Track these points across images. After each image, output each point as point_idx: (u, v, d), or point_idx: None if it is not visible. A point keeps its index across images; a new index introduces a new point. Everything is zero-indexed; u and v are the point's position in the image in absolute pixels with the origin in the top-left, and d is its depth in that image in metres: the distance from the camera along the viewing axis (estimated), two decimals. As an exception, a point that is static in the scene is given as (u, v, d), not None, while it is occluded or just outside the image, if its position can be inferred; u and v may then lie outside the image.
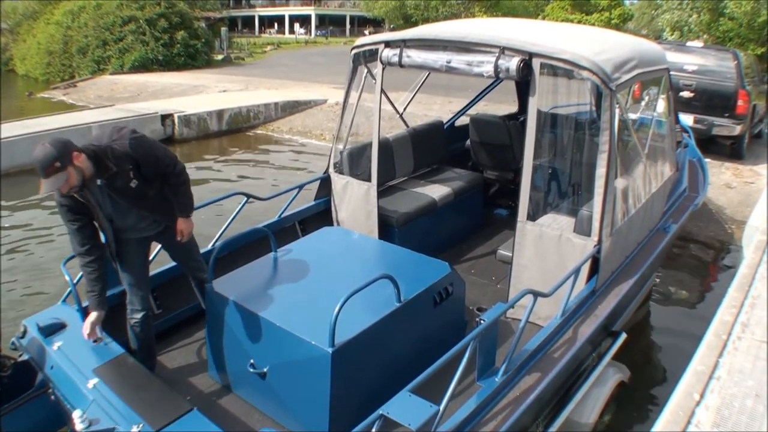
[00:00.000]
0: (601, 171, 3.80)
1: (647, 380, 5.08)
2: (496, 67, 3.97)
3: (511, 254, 4.29)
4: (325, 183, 5.38)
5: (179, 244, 3.68)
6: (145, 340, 3.70)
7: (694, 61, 10.68)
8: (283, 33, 58.50)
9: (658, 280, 6.72)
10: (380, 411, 2.40)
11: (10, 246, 7.66)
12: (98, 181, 3.19)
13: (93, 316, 3.39)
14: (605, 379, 3.98)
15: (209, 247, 4.41)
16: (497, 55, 3.99)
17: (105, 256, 3.46)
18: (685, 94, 10.48)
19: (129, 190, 3.29)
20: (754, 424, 3.26)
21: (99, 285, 3.40)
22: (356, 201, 5.11)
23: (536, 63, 3.90)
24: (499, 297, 4.55)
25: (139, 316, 3.62)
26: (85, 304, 3.66)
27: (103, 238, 3.47)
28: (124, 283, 3.62)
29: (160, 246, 3.88)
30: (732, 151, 10.92)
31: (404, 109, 6.48)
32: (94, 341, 3.38)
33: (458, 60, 4.19)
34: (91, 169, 3.12)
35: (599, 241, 3.86)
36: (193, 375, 3.77)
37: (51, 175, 2.94)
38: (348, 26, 62.11)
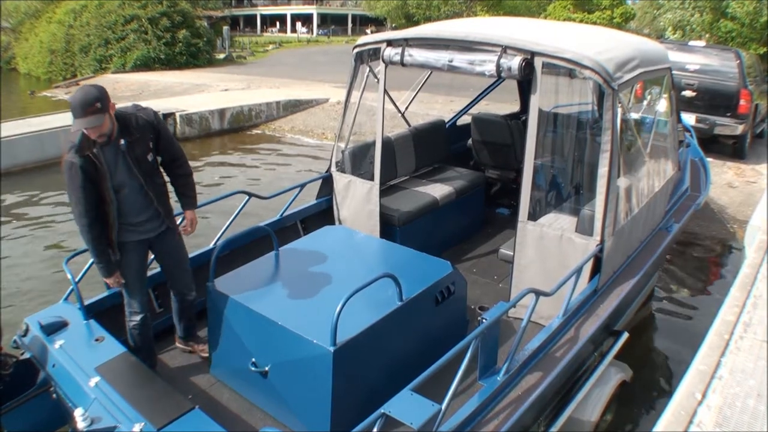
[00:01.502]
0: (603, 170, 3.79)
1: (649, 379, 5.08)
2: (498, 66, 3.96)
3: (512, 253, 4.29)
4: (327, 182, 5.38)
5: (174, 254, 3.69)
6: (145, 341, 3.69)
7: (697, 60, 10.67)
8: (285, 32, 58.53)
9: (660, 278, 6.71)
10: (382, 410, 2.40)
11: (10, 245, 7.67)
12: (122, 141, 3.23)
13: (115, 277, 3.46)
14: (607, 379, 3.97)
15: (211, 245, 4.41)
16: (499, 54, 3.98)
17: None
18: (688, 93, 10.46)
19: (145, 162, 3.34)
20: (756, 424, 3.26)
21: (108, 251, 3.38)
22: (358, 200, 5.11)
23: (538, 62, 3.89)
24: (501, 296, 4.55)
25: (138, 318, 3.60)
26: (87, 302, 3.67)
27: None
28: (123, 287, 3.58)
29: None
30: (734, 150, 10.92)
31: (406, 108, 6.48)
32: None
33: (460, 59, 4.19)
34: (117, 128, 3.20)
35: (601, 241, 3.86)
36: (194, 374, 3.77)
37: (89, 115, 2.99)
38: (350, 25, 62.12)
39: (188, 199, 3.69)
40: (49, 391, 3.45)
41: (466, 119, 6.94)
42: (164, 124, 3.50)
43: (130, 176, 3.32)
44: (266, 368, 3.30)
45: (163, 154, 3.49)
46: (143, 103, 3.58)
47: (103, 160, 3.21)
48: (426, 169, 6.14)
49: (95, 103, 2.99)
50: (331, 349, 2.92)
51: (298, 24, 57.65)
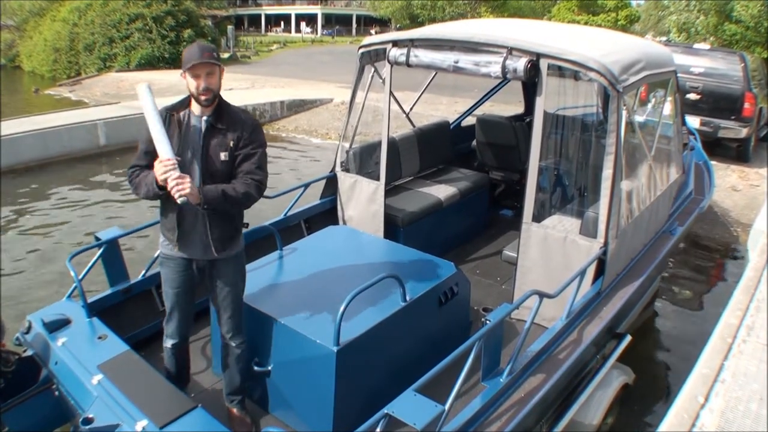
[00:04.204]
0: (607, 173, 3.79)
1: (651, 382, 5.06)
2: (504, 67, 3.96)
3: (516, 255, 4.29)
4: (331, 182, 5.38)
5: (220, 289, 3.16)
6: (182, 363, 3.48)
7: (701, 63, 10.65)
8: (290, 32, 58.54)
9: (663, 281, 6.70)
10: (385, 410, 2.40)
11: (11, 244, 7.68)
12: (204, 118, 2.94)
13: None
14: (609, 381, 3.97)
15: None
16: (505, 55, 3.98)
17: None
18: (692, 96, 10.44)
19: (215, 160, 2.93)
20: (758, 428, 3.26)
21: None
22: (363, 200, 5.11)
23: (544, 64, 3.88)
24: (504, 297, 4.54)
25: (173, 341, 3.32)
26: (90, 300, 3.67)
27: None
28: (167, 305, 3.26)
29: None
30: (738, 153, 10.90)
31: (410, 108, 6.48)
32: None
33: (466, 60, 4.18)
34: (214, 107, 2.96)
35: (605, 243, 3.85)
36: (197, 373, 3.77)
37: (206, 59, 2.84)
38: (354, 25, 62.18)
39: (223, 191, 2.87)
40: (51, 389, 3.45)
41: (470, 120, 6.94)
42: (259, 137, 3.01)
43: (193, 163, 2.93)
44: (269, 368, 3.30)
45: (238, 164, 2.97)
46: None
47: (180, 132, 2.94)
48: (430, 170, 6.14)
49: (213, 51, 2.89)
50: (335, 349, 2.92)
51: (303, 24, 57.66)
